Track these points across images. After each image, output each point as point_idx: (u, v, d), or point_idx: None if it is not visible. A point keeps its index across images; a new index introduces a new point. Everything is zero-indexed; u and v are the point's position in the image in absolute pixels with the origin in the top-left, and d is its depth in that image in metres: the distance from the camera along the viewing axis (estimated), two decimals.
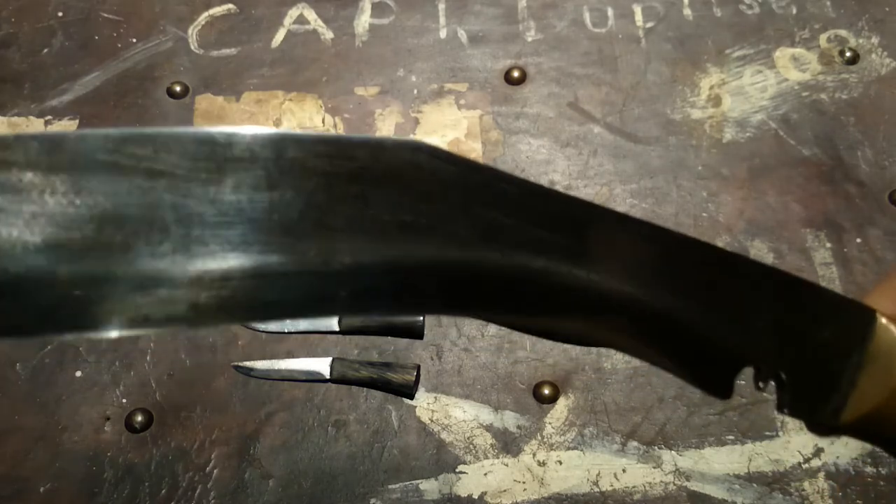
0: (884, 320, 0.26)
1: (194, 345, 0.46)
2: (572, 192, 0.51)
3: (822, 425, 0.26)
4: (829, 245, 0.49)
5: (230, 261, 0.21)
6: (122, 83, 0.55)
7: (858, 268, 0.48)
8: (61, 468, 0.43)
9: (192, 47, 0.56)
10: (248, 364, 0.46)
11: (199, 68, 0.55)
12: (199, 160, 0.21)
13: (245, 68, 0.55)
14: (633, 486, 0.43)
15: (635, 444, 0.44)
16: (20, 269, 0.20)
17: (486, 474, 0.43)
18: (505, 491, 0.43)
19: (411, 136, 0.24)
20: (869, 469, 0.43)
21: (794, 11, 0.57)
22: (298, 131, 0.23)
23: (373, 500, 0.43)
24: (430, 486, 0.43)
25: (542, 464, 0.43)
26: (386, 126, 0.53)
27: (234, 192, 0.21)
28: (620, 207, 0.50)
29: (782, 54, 0.56)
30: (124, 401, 0.45)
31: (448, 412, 0.45)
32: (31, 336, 0.20)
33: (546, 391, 0.45)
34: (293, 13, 0.57)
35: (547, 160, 0.52)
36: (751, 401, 0.44)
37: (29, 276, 0.20)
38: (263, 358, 0.46)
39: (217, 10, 0.57)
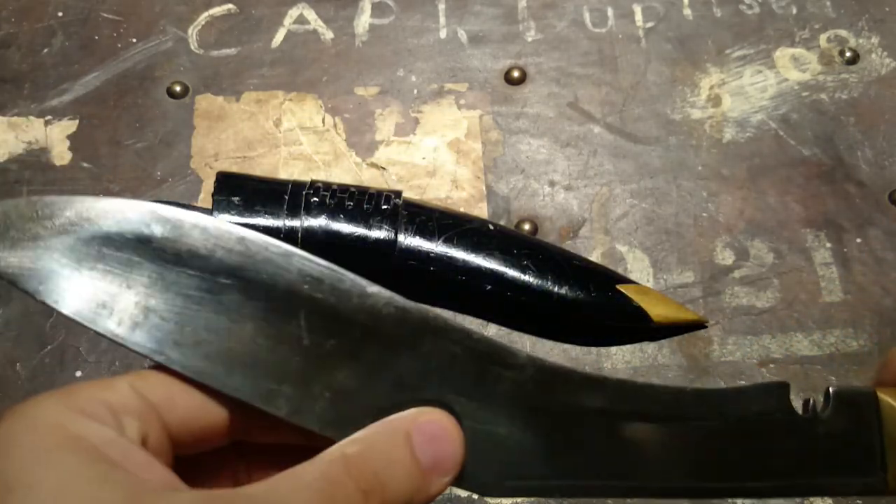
0: (887, 398, 0.28)
1: None
2: (572, 192, 0.51)
3: (874, 492, 0.27)
4: (829, 245, 0.49)
5: None
6: (122, 83, 0.55)
7: (858, 268, 0.48)
8: None
9: (192, 47, 0.56)
10: None
11: (199, 68, 0.55)
12: None
13: (245, 68, 0.55)
14: None
15: None
16: None
17: None
18: None
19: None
20: None
21: (794, 11, 0.57)
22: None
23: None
24: None
25: None
26: (386, 126, 0.53)
27: None
28: (620, 208, 0.50)
29: (782, 54, 0.56)
30: None
31: None
32: None
33: None
34: (293, 13, 0.57)
35: (547, 160, 0.52)
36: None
37: None
38: None
39: (217, 10, 0.57)
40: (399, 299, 0.25)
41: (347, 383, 0.25)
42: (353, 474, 0.22)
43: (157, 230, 0.25)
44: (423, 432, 0.24)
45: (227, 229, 0.25)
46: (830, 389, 0.28)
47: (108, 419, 0.21)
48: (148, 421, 0.23)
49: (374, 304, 0.25)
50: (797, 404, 0.28)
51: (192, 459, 0.24)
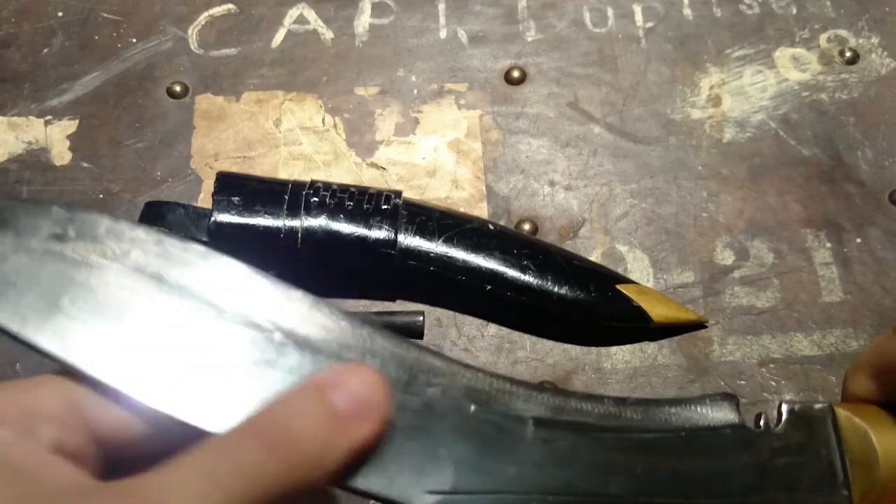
0: (845, 413, 0.27)
1: None
2: (572, 192, 0.51)
3: None
4: (829, 245, 0.49)
5: None
6: (122, 83, 0.55)
7: (858, 268, 0.48)
8: None
9: (192, 47, 0.56)
10: None
11: (199, 68, 0.55)
12: None
13: (245, 68, 0.55)
14: None
15: None
16: None
17: None
18: None
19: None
20: None
21: (794, 11, 0.57)
22: None
23: (373, 500, 0.42)
24: None
25: None
26: (386, 126, 0.53)
27: None
28: (620, 208, 0.50)
29: (782, 54, 0.56)
30: None
31: None
32: None
33: None
34: (293, 13, 0.57)
35: (547, 160, 0.52)
36: (751, 401, 0.44)
37: None
38: None
39: (217, 10, 0.57)
40: (321, 304, 0.25)
41: None
42: (256, 432, 0.21)
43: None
44: (338, 381, 0.22)
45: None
46: (783, 405, 0.27)
47: (16, 423, 0.22)
48: (67, 425, 0.22)
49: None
50: (749, 418, 0.27)
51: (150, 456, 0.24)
